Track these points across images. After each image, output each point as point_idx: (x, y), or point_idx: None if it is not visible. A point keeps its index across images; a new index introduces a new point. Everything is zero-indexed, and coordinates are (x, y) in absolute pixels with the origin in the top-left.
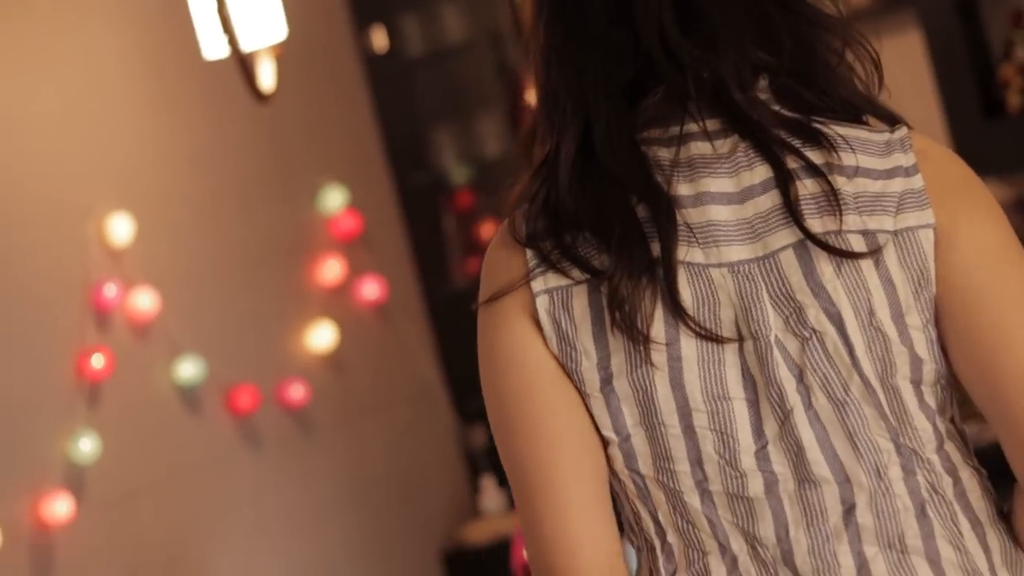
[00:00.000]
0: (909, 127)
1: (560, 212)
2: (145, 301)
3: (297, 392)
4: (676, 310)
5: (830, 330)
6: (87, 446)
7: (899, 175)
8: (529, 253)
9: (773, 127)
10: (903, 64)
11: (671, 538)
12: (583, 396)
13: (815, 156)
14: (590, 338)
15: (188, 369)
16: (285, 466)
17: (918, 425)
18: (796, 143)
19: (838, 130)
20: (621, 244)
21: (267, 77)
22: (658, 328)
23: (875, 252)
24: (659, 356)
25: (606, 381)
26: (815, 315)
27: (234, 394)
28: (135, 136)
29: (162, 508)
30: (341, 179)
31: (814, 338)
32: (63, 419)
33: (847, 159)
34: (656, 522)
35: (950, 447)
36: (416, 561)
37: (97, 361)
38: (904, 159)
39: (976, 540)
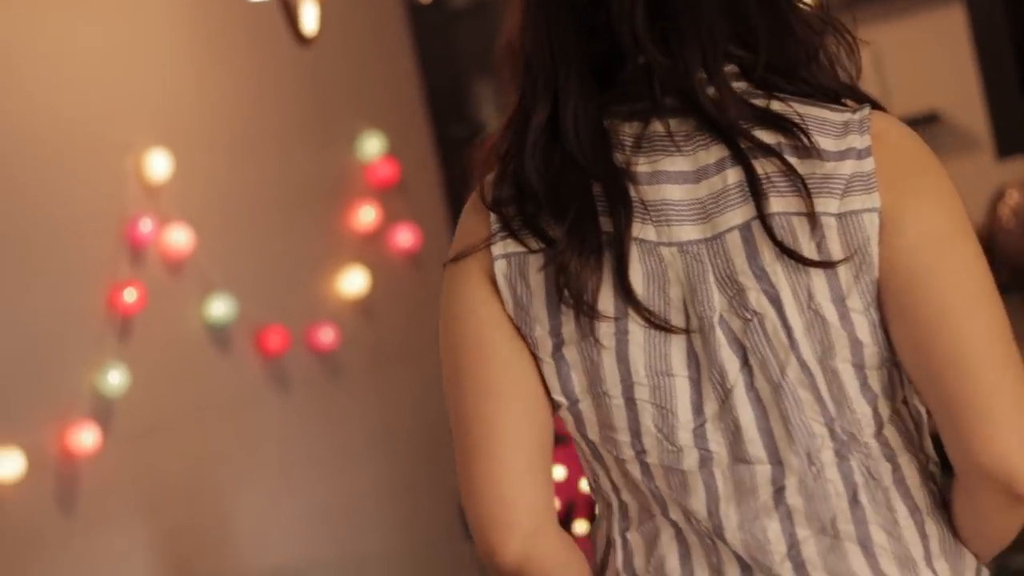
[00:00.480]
0: (883, 110)
1: (523, 185)
2: (180, 238)
3: (327, 336)
4: (624, 289)
5: (770, 313)
6: (115, 379)
7: (851, 157)
8: (493, 217)
9: (733, 109)
10: (944, 39)
11: (624, 497)
12: (536, 359)
13: (768, 136)
14: (543, 306)
15: (219, 308)
16: (311, 409)
17: (857, 409)
18: (752, 124)
19: (799, 109)
20: (575, 222)
21: (310, 21)
22: (606, 303)
23: (819, 238)
24: (606, 329)
25: (557, 347)
26: (756, 297)
27: (264, 335)
28: (176, 74)
29: (186, 444)
30: (380, 126)
31: (755, 320)
32: (93, 351)
33: (801, 140)
34: (611, 482)
35: (891, 432)
36: (436, 509)
37: (129, 295)
38: (859, 141)
39: (913, 528)
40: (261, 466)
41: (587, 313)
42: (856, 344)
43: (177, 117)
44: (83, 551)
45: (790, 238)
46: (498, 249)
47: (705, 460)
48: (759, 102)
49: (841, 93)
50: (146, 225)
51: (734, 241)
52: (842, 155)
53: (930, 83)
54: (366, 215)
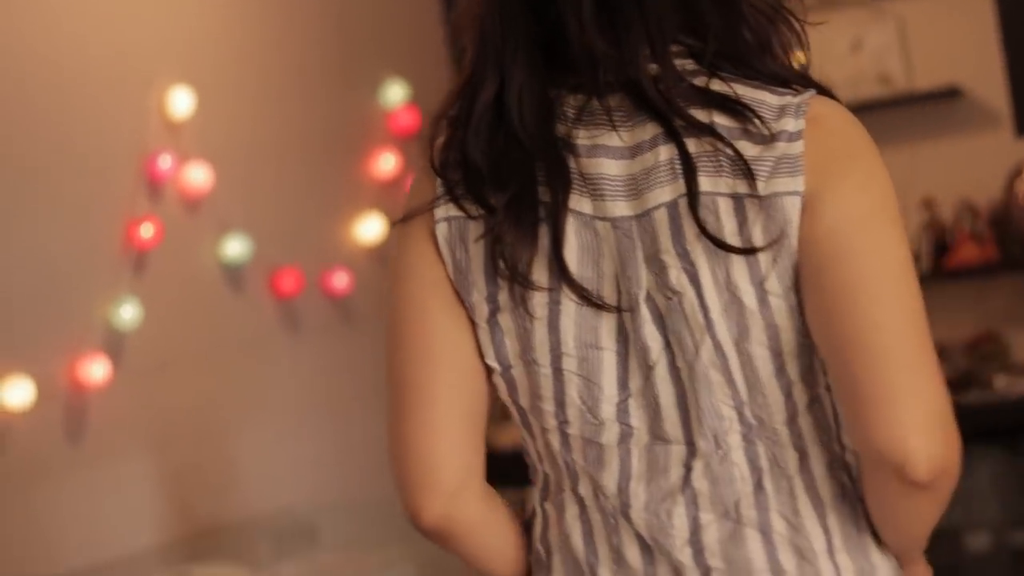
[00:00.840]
0: (832, 97)
1: (467, 158)
2: (199, 176)
3: (341, 280)
4: (558, 262)
5: (689, 292)
6: (128, 313)
7: (782, 140)
8: (439, 181)
9: (671, 87)
10: (968, 15)
11: (546, 467)
12: (473, 324)
13: (703, 115)
14: (481, 272)
15: (235, 247)
16: (322, 352)
17: (769, 395)
18: (688, 103)
19: (738, 90)
20: (515, 194)
21: None
22: (540, 274)
23: (741, 219)
24: (540, 299)
25: (492, 313)
26: (676, 276)
27: (278, 276)
28: (203, 12)
29: (197, 381)
30: (403, 74)
31: (675, 299)
32: (107, 284)
33: (735, 121)
34: (536, 451)
35: (805, 421)
36: None
37: (146, 231)
38: (792, 124)
39: (816, 519)
40: (270, 408)
41: (521, 283)
42: (773, 328)
43: (202, 55)
44: (88, 482)
45: (713, 218)
46: (440, 212)
47: (625, 435)
48: (699, 81)
49: (792, 80)
50: (165, 162)
51: (661, 218)
52: (774, 137)
53: (953, 58)
54: (386, 162)
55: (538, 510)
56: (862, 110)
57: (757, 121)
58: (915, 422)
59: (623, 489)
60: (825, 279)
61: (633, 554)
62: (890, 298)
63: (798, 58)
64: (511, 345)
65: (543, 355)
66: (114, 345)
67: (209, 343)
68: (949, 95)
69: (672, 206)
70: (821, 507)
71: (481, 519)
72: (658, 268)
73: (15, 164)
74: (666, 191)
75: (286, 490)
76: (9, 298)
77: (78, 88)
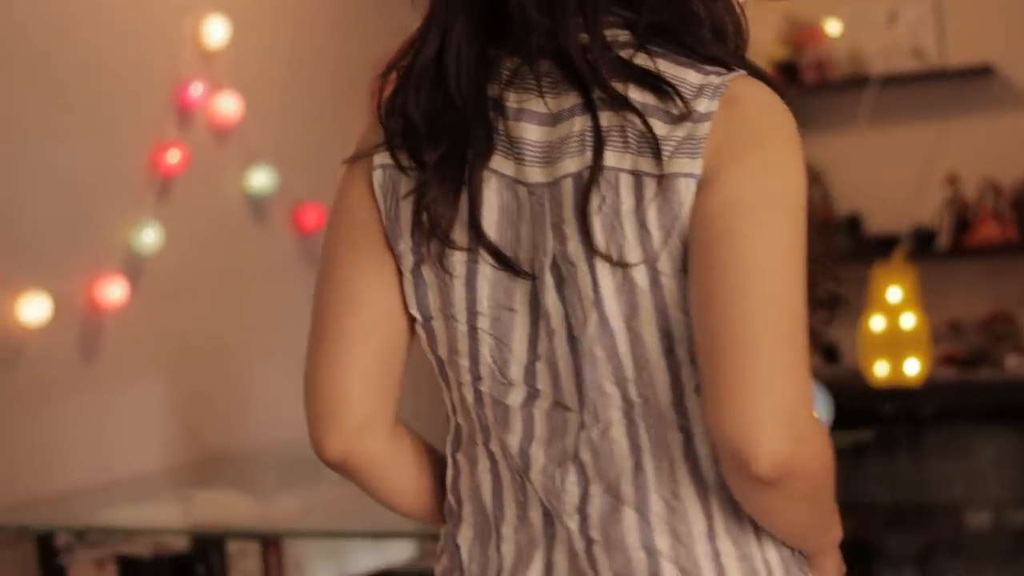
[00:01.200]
0: (766, 80)
1: (407, 109)
2: (229, 105)
3: None
4: (474, 225)
5: (582, 265)
6: (150, 237)
7: (690, 120)
8: (381, 128)
9: (596, 58)
10: None
11: (459, 419)
12: (399, 271)
13: (622, 89)
14: (408, 224)
15: (260, 179)
16: None
17: (656, 374)
18: (612, 76)
19: (661, 66)
20: (444, 154)
21: None
22: (460, 234)
23: (639, 197)
24: (459, 258)
25: (417, 265)
26: (574, 248)
27: (301, 211)
28: None
29: (213, 309)
30: None
31: (571, 270)
32: (130, 207)
33: (653, 97)
34: (451, 402)
35: (693, 404)
36: None
37: (173, 156)
38: (706, 105)
39: (698, 502)
40: (284, 340)
41: (441, 241)
42: (662, 309)
43: None
44: (99, 402)
45: (613, 194)
46: (378, 159)
47: (530, 398)
48: (626, 54)
49: (726, 61)
50: (197, 89)
51: (567, 188)
52: (684, 117)
53: (987, 37)
54: None
55: (450, 460)
56: (894, 83)
57: (677, 99)
58: (760, 417)
59: (524, 451)
60: (703, 263)
61: (536, 514)
62: (760, 289)
63: (734, 37)
64: (432, 298)
65: (460, 312)
66: (133, 268)
67: (228, 272)
68: (981, 73)
69: (577, 177)
70: (704, 490)
71: (383, 457)
72: (561, 238)
73: (48, 82)
74: (574, 162)
75: (294, 422)
76: (32, 215)
77: (115, 11)
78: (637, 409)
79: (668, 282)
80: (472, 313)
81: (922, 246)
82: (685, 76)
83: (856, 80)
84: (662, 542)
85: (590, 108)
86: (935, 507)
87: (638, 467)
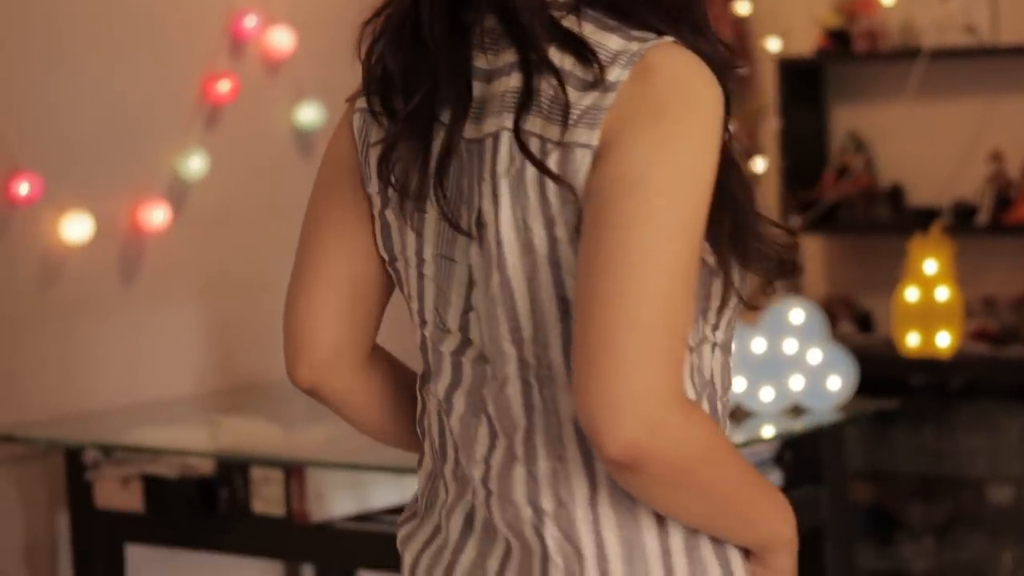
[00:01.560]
0: (710, 53)
1: (385, 56)
2: (282, 39)
3: None
4: (439, 181)
5: (491, 226)
6: (196, 164)
7: (599, 89)
8: (365, 73)
9: (532, 19)
10: None
11: (422, 356)
12: (371, 212)
13: (545, 52)
14: (375, 169)
15: (308, 114)
16: None
17: (551, 338)
18: (546, 37)
19: (586, 31)
20: (415, 108)
21: None
22: (418, 183)
23: (543, 166)
24: (415, 204)
25: (383, 207)
26: (486, 207)
27: None
28: None
29: (254, 239)
30: None
31: (483, 230)
32: (178, 134)
33: (574, 62)
34: (418, 339)
35: None
36: None
37: (223, 86)
38: (616, 74)
39: (582, 468)
40: None
41: (399, 192)
42: (558, 274)
43: None
44: (136, 324)
45: (520, 158)
46: (359, 103)
47: (462, 346)
48: (558, 14)
49: (659, 28)
50: (251, 21)
51: (488, 147)
52: (594, 85)
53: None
54: None
55: (419, 395)
56: (944, 57)
57: (594, 65)
58: (611, 401)
59: (448, 397)
60: (586, 237)
61: (451, 459)
62: (628, 272)
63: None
64: (395, 240)
65: (411, 257)
66: (177, 194)
67: (271, 203)
68: None
69: (495, 137)
70: (590, 457)
71: (349, 391)
72: (479, 195)
73: (103, 6)
74: (495, 121)
75: None
76: (81, 136)
77: None
78: (532, 370)
79: (564, 249)
80: (420, 260)
81: (962, 221)
82: (607, 42)
83: (907, 52)
84: (547, 502)
85: (520, 68)
86: (958, 480)
87: (530, 426)
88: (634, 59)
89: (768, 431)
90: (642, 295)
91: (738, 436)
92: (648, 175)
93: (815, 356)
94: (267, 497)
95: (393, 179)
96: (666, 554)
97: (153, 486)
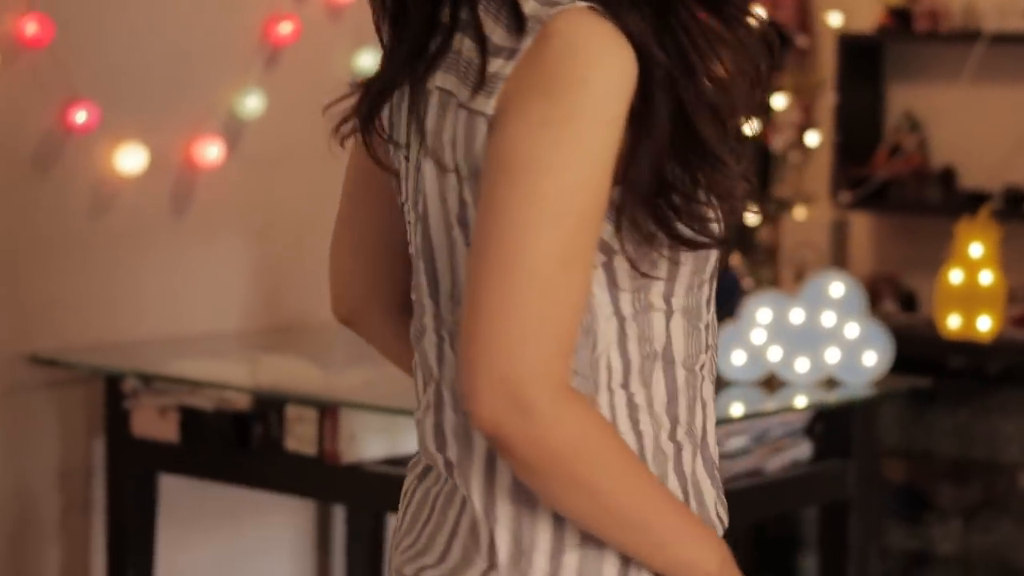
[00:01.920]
0: (630, 19)
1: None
2: None
3: None
4: (420, 130)
5: (415, 178)
6: (253, 103)
7: (501, 56)
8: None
9: None
10: None
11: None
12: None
13: (470, 12)
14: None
15: (368, 61)
16: None
17: (461, 297)
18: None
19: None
20: (404, 56)
21: None
22: (402, 133)
23: (454, 124)
24: (395, 149)
25: (395, 153)
26: (416, 159)
27: None
28: None
29: (307, 180)
30: None
31: (419, 182)
32: (237, 72)
33: (494, 25)
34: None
35: None
36: None
37: (285, 28)
38: (520, 42)
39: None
40: None
41: (391, 142)
42: (469, 236)
43: None
44: (185, 257)
45: (434, 113)
46: None
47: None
48: None
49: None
50: None
51: (429, 101)
52: (497, 51)
53: None
54: None
55: None
56: (1004, 41)
57: (510, 31)
58: (475, 379)
59: (417, 327)
60: (477, 207)
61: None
62: (500, 254)
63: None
64: (400, 187)
65: (402, 203)
66: (233, 132)
67: (325, 147)
68: None
69: (429, 93)
70: None
71: (380, 334)
72: (418, 148)
73: None
74: (436, 76)
75: None
76: (140, 68)
77: None
78: (446, 325)
79: (472, 213)
80: (403, 205)
81: (1011, 206)
82: (525, 7)
83: (967, 34)
84: (452, 452)
85: (450, 24)
86: (991, 464)
87: (441, 379)
88: (536, 26)
89: (801, 401)
90: (515, 280)
91: (770, 404)
92: (529, 156)
93: (852, 330)
94: (300, 435)
95: (379, 125)
96: (558, 541)
97: (189, 418)
